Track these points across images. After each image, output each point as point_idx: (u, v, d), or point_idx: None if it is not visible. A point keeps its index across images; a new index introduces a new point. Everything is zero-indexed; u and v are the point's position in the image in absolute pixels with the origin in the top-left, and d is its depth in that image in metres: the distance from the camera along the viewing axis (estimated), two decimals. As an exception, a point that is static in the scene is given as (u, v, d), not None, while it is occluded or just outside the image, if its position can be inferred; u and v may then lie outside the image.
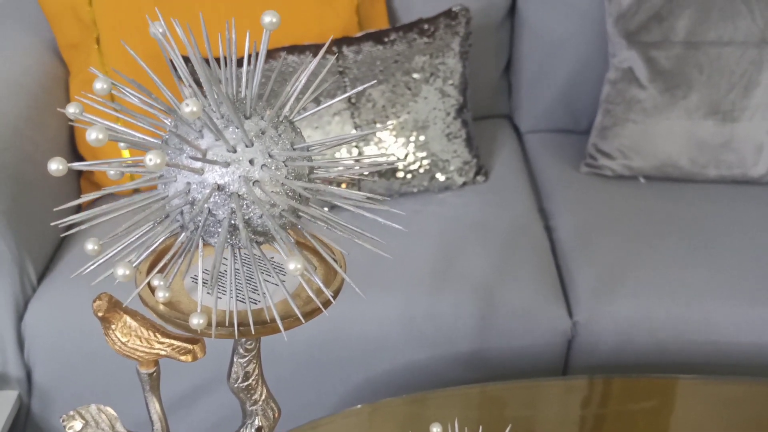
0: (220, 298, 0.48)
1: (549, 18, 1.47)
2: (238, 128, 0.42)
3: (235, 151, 0.42)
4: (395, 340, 1.10)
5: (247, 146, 0.42)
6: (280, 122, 0.44)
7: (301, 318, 0.44)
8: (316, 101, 1.20)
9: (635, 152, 1.35)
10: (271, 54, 1.22)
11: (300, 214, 0.44)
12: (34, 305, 1.11)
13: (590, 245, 1.22)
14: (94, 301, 0.50)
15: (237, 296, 0.47)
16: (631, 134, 1.35)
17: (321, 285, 0.45)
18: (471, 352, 1.11)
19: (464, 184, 1.31)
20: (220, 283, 0.49)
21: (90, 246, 0.43)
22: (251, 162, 0.42)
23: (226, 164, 0.42)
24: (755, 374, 1.12)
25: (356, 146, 1.23)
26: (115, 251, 0.44)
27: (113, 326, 0.50)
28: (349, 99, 1.22)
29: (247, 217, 0.43)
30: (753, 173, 1.34)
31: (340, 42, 1.27)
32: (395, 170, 1.26)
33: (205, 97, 0.44)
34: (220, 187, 0.42)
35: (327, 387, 1.12)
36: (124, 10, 1.25)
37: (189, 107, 0.39)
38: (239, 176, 0.42)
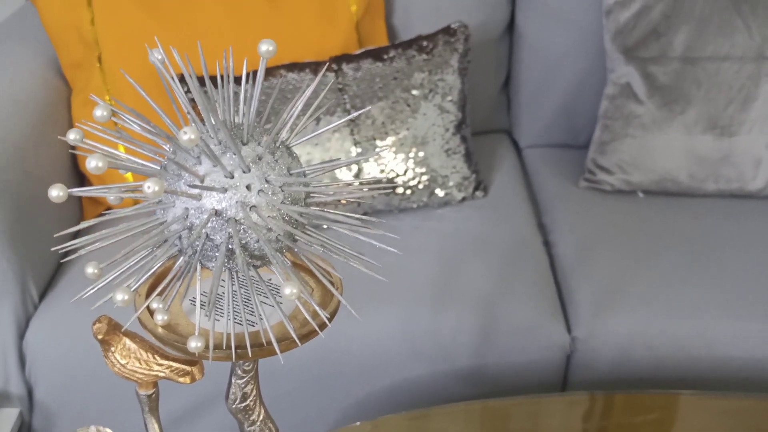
0: (218, 320, 0.49)
1: (547, 34, 1.48)
2: (235, 154, 0.43)
3: (232, 177, 0.43)
4: (395, 356, 1.10)
5: (244, 172, 0.43)
6: (276, 148, 0.45)
7: (297, 341, 0.45)
8: (316, 120, 1.21)
9: (634, 167, 1.36)
10: (271, 71, 1.24)
11: (297, 238, 0.45)
12: (36, 323, 1.11)
13: (589, 260, 1.22)
14: (94, 324, 0.50)
15: (234, 319, 0.48)
16: (630, 149, 1.35)
17: (317, 308, 0.45)
18: (470, 368, 1.11)
19: (463, 199, 1.32)
20: (218, 306, 0.49)
21: (90, 270, 0.44)
22: (248, 187, 0.43)
23: (224, 190, 0.43)
24: (754, 389, 1.12)
25: (355, 163, 1.23)
26: (114, 275, 0.45)
27: (113, 348, 0.51)
28: (348, 116, 1.23)
29: (244, 242, 0.44)
30: (751, 187, 1.35)
31: (339, 59, 1.28)
32: (395, 186, 1.26)
33: (204, 123, 0.44)
34: (217, 213, 0.43)
35: (327, 403, 1.13)
36: (125, 28, 1.26)
37: (187, 135, 0.39)
38: (236, 201, 0.43)
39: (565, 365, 1.13)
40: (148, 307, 0.48)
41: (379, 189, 0.47)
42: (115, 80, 1.27)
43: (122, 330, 0.50)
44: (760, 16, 1.30)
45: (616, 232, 1.29)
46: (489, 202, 1.34)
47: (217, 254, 0.44)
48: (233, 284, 0.46)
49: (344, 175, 1.23)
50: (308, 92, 0.45)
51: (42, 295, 1.16)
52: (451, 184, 1.30)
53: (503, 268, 1.19)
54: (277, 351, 0.44)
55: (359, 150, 1.23)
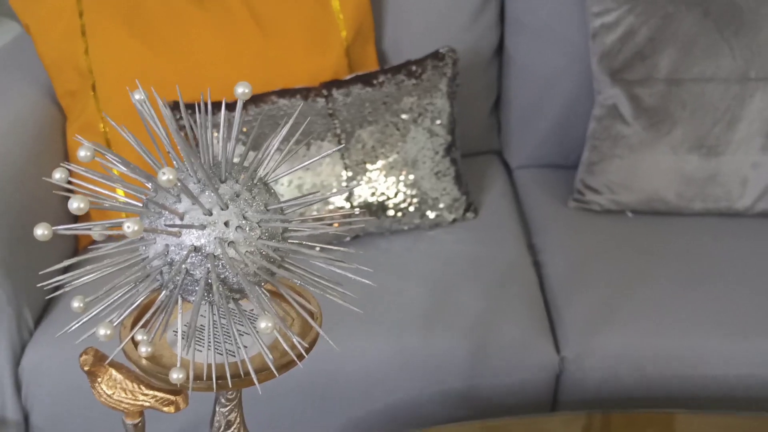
0: (200, 351, 0.50)
1: (536, 56, 1.50)
2: (213, 192, 0.45)
3: (210, 214, 0.45)
4: (386, 377, 1.11)
5: (222, 209, 0.45)
6: (254, 185, 0.47)
7: (275, 372, 0.46)
8: (307, 145, 1.23)
9: (622, 187, 1.37)
10: (262, 98, 1.26)
11: (274, 271, 0.47)
12: (31, 349, 1.12)
13: (578, 280, 1.24)
14: (81, 356, 0.52)
15: (215, 350, 0.49)
16: (618, 170, 1.37)
17: (295, 339, 0.47)
18: (461, 389, 1.12)
19: (454, 220, 1.34)
20: (200, 337, 0.51)
21: (76, 304, 0.46)
22: (226, 224, 0.45)
23: (202, 227, 0.44)
24: (744, 408, 1.13)
25: (347, 186, 1.25)
26: (99, 309, 0.47)
27: (99, 379, 0.52)
28: (338, 140, 1.25)
29: (222, 276, 0.45)
30: (738, 206, 1.36)
31: (329, 84, 1.30)
32: (385, 208, 1.28)
33: (183, 162, 0.46)
34: (196, 249, 0.44)
35: (318, 425, 1.14)
36: (119, 57, 1.29)
37: (165, 176, 0.41)
38: (215, 238, 0.44)
39: (554, 385, 1.14)
40: (133, 339, 0.50)
41: (356, 221, 0.49)
42: (108, 107, 1.29)
43: (108, 361, 0.52)
44: (743, 38, 1.32)
45: (605, 252, 1.30)
46: (480, 223, 1.35)
47: (197, 288, 0.45)
48: (214, 316, 0.47)
49: (336, 198, 1.25)
50: (284, 131, 0.47)
51: (37, 322, 1.17)
52: (441, 206, 1.31)
53: (494, 288, 1.20)
54: (255, 382, 0.46)
55: (350, 174, 1.25)
